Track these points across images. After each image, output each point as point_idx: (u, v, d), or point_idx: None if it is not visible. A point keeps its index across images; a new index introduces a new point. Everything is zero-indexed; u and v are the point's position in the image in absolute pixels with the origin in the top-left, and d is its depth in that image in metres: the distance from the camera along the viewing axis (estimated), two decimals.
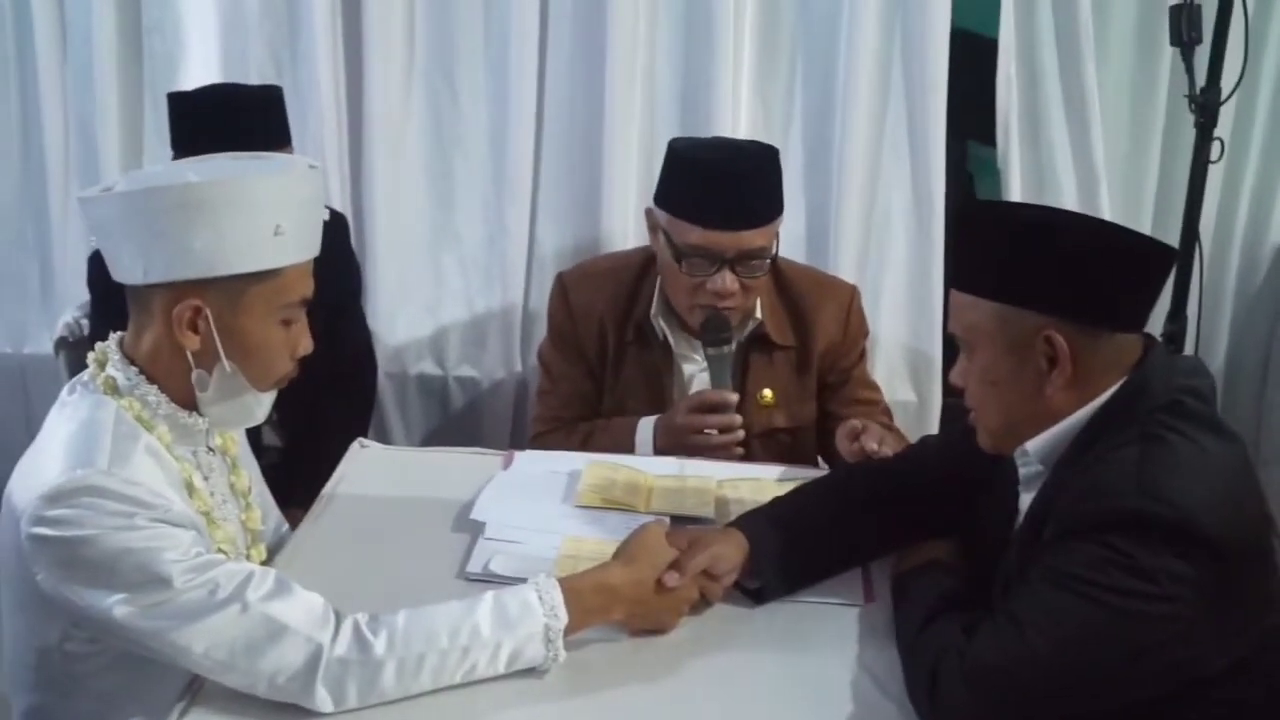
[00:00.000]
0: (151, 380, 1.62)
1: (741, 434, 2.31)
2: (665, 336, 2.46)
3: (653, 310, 2.45)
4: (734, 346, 2.37)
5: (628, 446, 2.38)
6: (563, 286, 2.55)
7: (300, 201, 1.63)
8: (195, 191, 1.53)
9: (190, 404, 1.65)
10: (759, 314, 2.44)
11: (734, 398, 2.31)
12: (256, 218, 1.56)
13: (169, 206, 1.53)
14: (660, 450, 2.36)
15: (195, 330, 1.58)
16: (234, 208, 1.54)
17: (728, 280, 2.30)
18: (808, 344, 2.48)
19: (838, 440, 2.23)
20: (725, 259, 2.29)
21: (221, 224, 1.54)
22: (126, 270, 1.58)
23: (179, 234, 1.53)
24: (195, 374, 1.61)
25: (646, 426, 2.39)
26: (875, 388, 2.62)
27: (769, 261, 2.35)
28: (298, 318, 1.67)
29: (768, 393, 2.46)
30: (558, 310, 2.55)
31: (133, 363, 1.63)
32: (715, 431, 2.30)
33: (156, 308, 1.59)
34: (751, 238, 2.30)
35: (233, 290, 1.58)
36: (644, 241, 2.54)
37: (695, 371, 2.49)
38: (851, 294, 2.56)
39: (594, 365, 2.52)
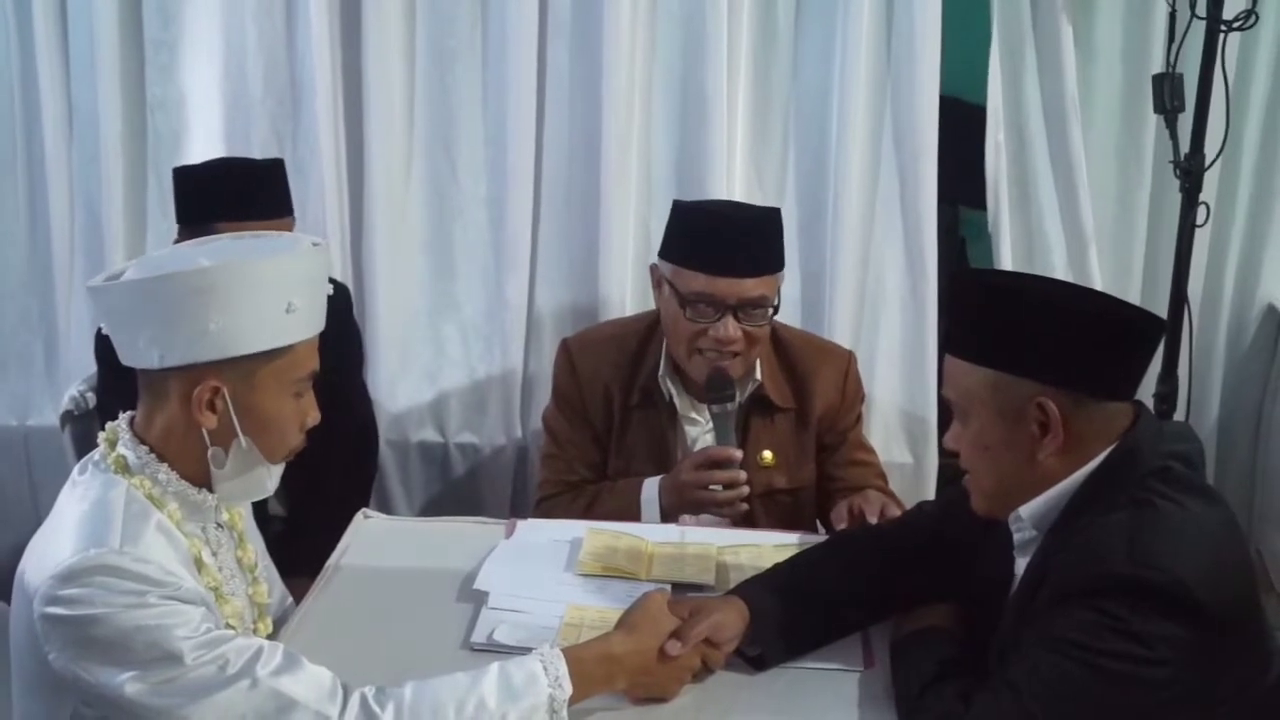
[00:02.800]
0: (162, 459, 1.65)
1: (746, 490, 2.33)
2: (671, 398, 2.49)
3: (660, 371, 2.49)
4: (737, 404, 2.41)
5: (633, 506, 2.40)
6: (568, 353, 2.59)
7: (308, 278, 1.66)
8: (209, 276, 1.56)
9: (200, 481, 1.67)
10: (759, 375, 2.48)
11: (738, 454, 2.34)
12: (269, 297, 1.59)
13: (184, 292, 1.56)
14: (665, 509, 2.39)
15: (213, 410, 1.61)
16: (247, 289, 1.57)
17: (730, 327, 2.34)
18: (806, 406, 2.52)
19: (833, 520, 2.28)
20: (728, 305, 2.35)
21: (236, 305, 1.57)
22: (141, 355, 1.60)
23: (195, 318, 1.56)
24: (211, 451, 1.63)
25: (651, 486, 2.41)
26: (871, 450, 2.65)
27: (771, 311, 2.39)
28: (306, 391, 1.71)
29: (768, 454, 2.49)
30: (563, 376, 2.58)
31: (143, 442, 1.65)
32: (720, 488, 2.32)
33: (173, 390, 1.61)
34: (753, 286, 2.35)
35: (248, 369, 1.61)
36: (642, 306, 2.59)
37: (699, 434, 2.52)
38: (849, 359, 2.60)
39: (599, 430, 2.55)
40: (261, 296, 1.59)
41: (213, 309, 1.56)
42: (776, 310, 2.41)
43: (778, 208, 2.52)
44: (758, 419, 2.50)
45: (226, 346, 1.58)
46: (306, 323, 1.65)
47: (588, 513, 2.41)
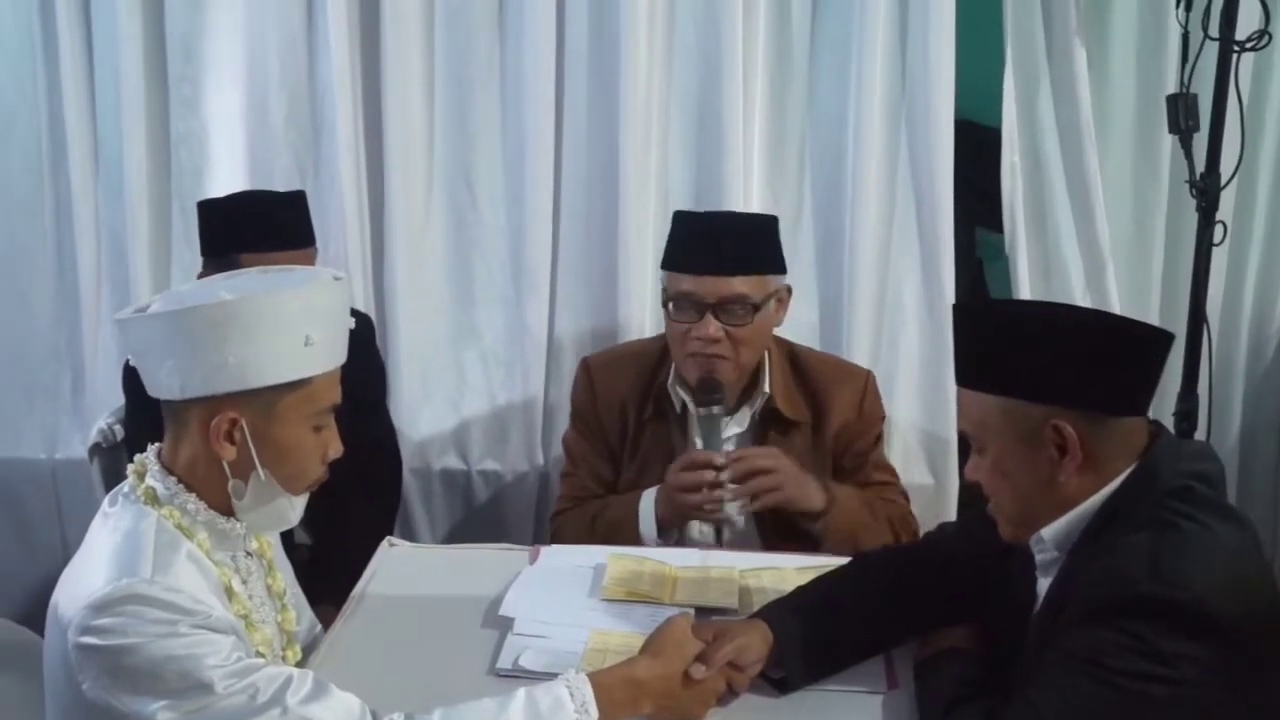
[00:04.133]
0: (189, 489, 1.67)
1: (722, 494, 2.36)
2: (682, 406, 2.53)
3: (670, 380, 2.53)
4: (724, 409, 2.45)
5: (632, 516, 2.44)
6: (587, 370, 2.65)
7: (328, 312, 1.68)
8: (227, 309, 1.59)
9: (228, 510, 1.70)
10: (767, 388, 2.51)
11: (719, 458, 2.37)
12: (287, 330, 1.61)
13: (204, 324, 1.58)
14: (661, 518, 2.43)
15: (232, 441, 1.63)
16: (265, 322, 1.60)
17: (711, 327, 2.39)
18: (822, 420, 2.54)
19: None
20: (708, 304, 2.40)
21: (254, 338, 1.59)
22: (164, 387, 1.63)
23: (214, 350, 1.58)
24: (232, 483, 1.66)
25: (649, 496, 2.45)
26: (890, 471, 2.67)
27: (753, 311, 2.42)
28: (327, 423, 1.72)
29: None
30: (582, 393, 2.64)
31: (171, 473, 1.68)
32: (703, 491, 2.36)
33: (194, 421, 1.64)
34: (732, 284, 2.40)
35: (266, 401, 1.63)
36: (661, 329, 2.61)
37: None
38: (866, 377, 2.63)
39: (614, 448, 2.59)
40: (279, 329, 1.61)
41: (231, 341, 1.58)
42: (758, 308, 2.42)
43: (774, 216, 2.61)
44: (774, 433, 2.53)
45: (244, 378, 1.60)
46: (326, 356, 1.67)
47: (593, 525, 2.47)
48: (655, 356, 2.58)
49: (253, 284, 1.70)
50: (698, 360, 2.43)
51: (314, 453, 1.71)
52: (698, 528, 2.50)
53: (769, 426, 2.52)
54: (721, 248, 2.43)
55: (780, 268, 2.52)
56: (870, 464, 2.59)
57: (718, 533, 2.47)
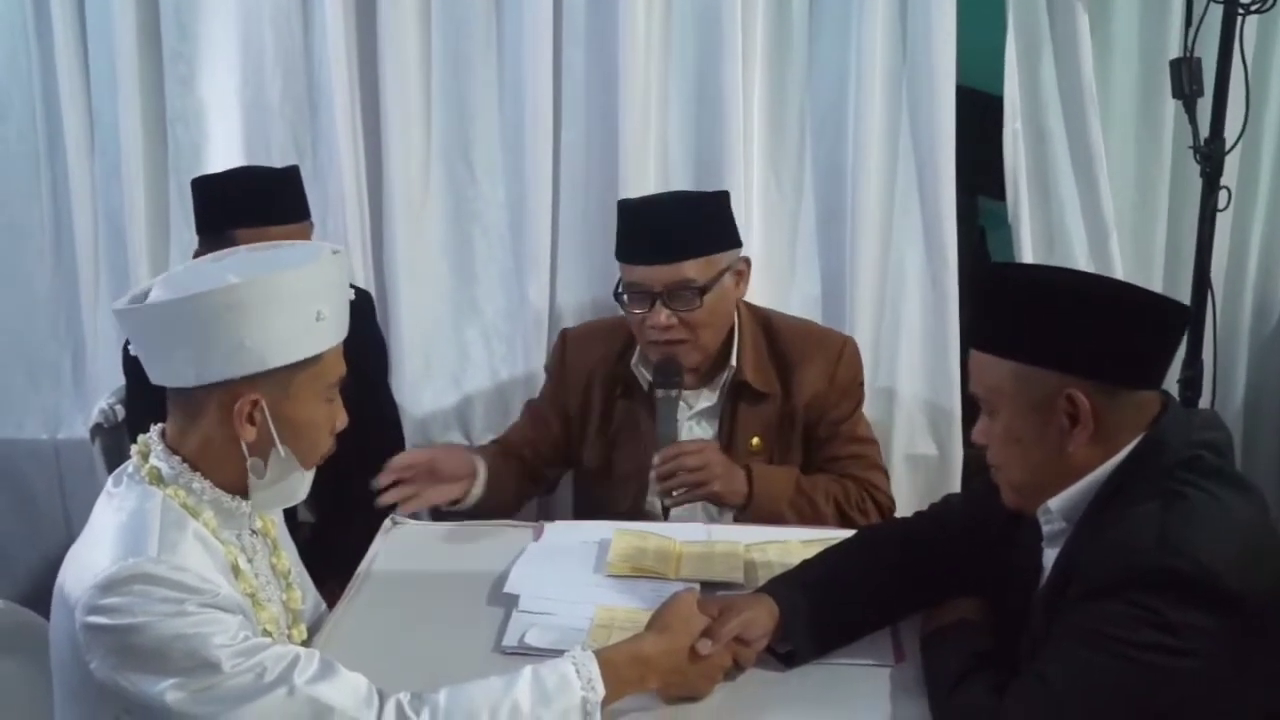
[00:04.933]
0: (194, 469, 1.67)
1: (667, 482, 2.36)
2: (648, 384, 2.52)
3: (634, 360, 2.53)
4: (680, 392, 2.46)
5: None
6: (564, 341, 2.70)
7: (334, 286, 1.70)
8: (239, 292, 1.58)
9: (234, 489, 1.70)
10: (734, 361, 2.50)
11: (670, 450, 2.37)
12: (300, 308, 1.62)
13: (216, 309, 1.57)
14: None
15: (252, 422, 1.64)
16: (279, 302, 1.60)
17: (662, 315, 2.40)
18: (791, 393, 2.53)
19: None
20: (655, 293, 2.40)
21: (269, 319, 1.59)
22: (175, 374, 1.62)
23: (229, 334, 1.58)
24: (251, 462, 1.66)
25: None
26: (868, 441, 2.64)
27: (700, 294, 2.40)
28: (335, 395, 1.74)
29: (756, 440, 2.52)
30: (554, 361, 2.70)
31: (175, 453, 1.67)
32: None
33: (210, 406, 1.63)
34: (676, 271, 2.39)
35: (283, 379, 1.64)
36: None
37: (682, 419, 2.53)
38: (842, 346, 2.60)
39: (571, 421, 2.62)
40: (292, 308, 1.61)
41: (246, 324, 1.58)
42: (706, 291, 2.40)
43: (721, 191, 2.61)
44: (744, 405, 2.52)
45: (263, 359, 1.60)
46: (334, 329, 1.69)
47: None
48: (627, 334, 2.57)
49: (252, 263, 1.69)
50: (657, 347, 2.44)
51: (326, 425, 1.73)
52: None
53: (739, 398, 2.52)
54: (664, 234, 2.42)
55: (731, 242, 2.50)
56: (842, 437, 2.56)
57: (664, 511, 2.46)
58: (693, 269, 2.40)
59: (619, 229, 2.52)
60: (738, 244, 2.52)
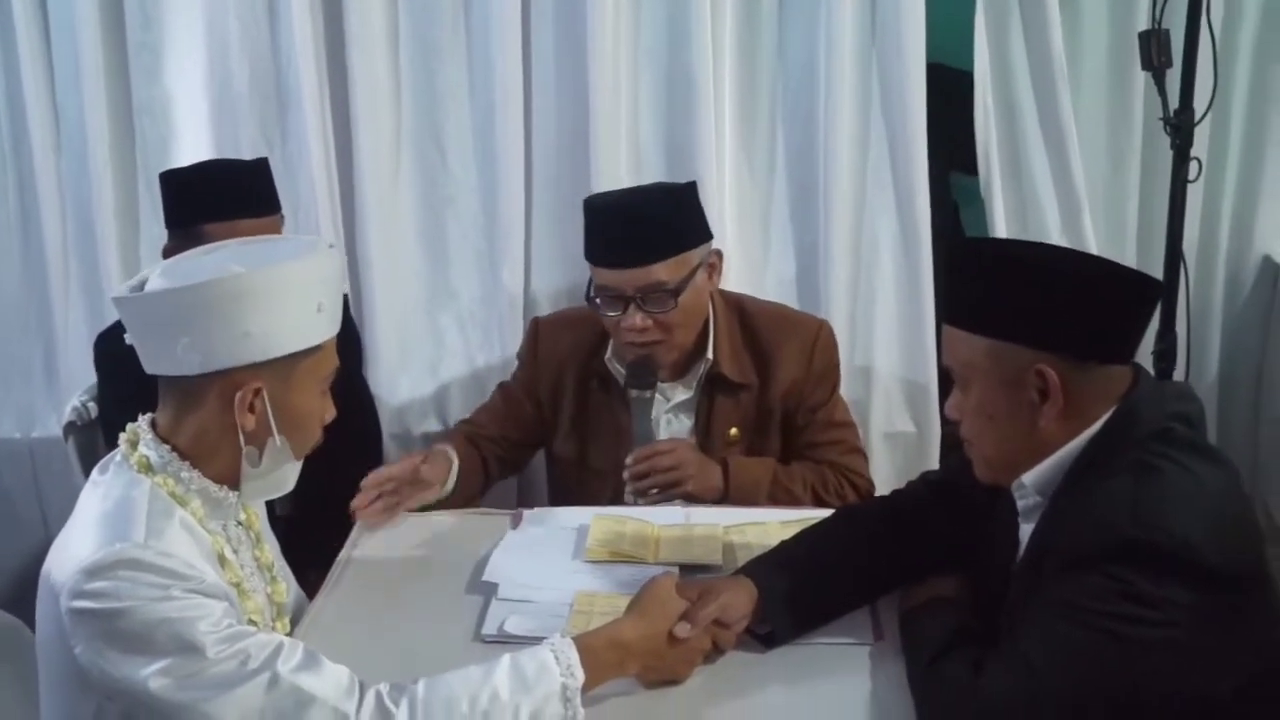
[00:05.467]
0: (184, 459, 1.67)
1: (640, 483, 2.34)
2: (622, 379, 2.50)
3: (608, 354, 2.52)
4: (654, 392, 2.44)
5: None
6: (535, 330, 2.67)
7: (332, 279, 1.72)
8: (244, 281, 1.59)
9: (224, 480, 1.70)
10: (710, 354, 2.48)
11: (644, 450, 2.35)
12: (302, 298, 1.64)
13: (223, 297, 1.58)
14: None
15: (252, 411, 1.64)
16: (284, 292, 1.62)
17: (636, 318, 2.36)
18: (768, 383, 2.51)
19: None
20: (628, 296, 2.36)
21: (274, 308, 1.61)
22: (179, 362, 1.62)
23: (234, 322, 1.59)
24: (246, 451, 1.67)
25: None
26: (845, 425, 2.62)
27: (673, 296, 2.37)
28: (328, 388, 1.76)
29: (734, 431, 2.51)
30: (526, 350, 2.67)
31: (165, 442, 1.67)
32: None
33: (210, 394, 1.64)
34: (648, 274, 2.35)
35: (285, 369, 1.65)
36: None
37: (657, 415, 2.52)
38: (816, 331, 2.57)
39: (543, 405, 2.60)
40: (296, 298, 1.64)
41: (251, 313, 1.60)
42: (679, 292, 2.37)
43: (691, 182, 2.54)
44: (721, 396, 2.51)
45: (267, 348, 1.62)
46: (332, 321, 1.71)
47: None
48: (601, 326, 2.53)
49: (251, 255, 1.70)
50: (633, 348, 2.41)
51: (319, 417, 1.75)
52: None
53: (715, 390, 2.50)
54: (632, 236, 2.37)
55: (701, 237, 2.45)
56: (819, 423, 2.55)
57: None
58: (664, 271, 2.35)
59: (586, 229, 2.48)
60: (708, 237, 2.48)
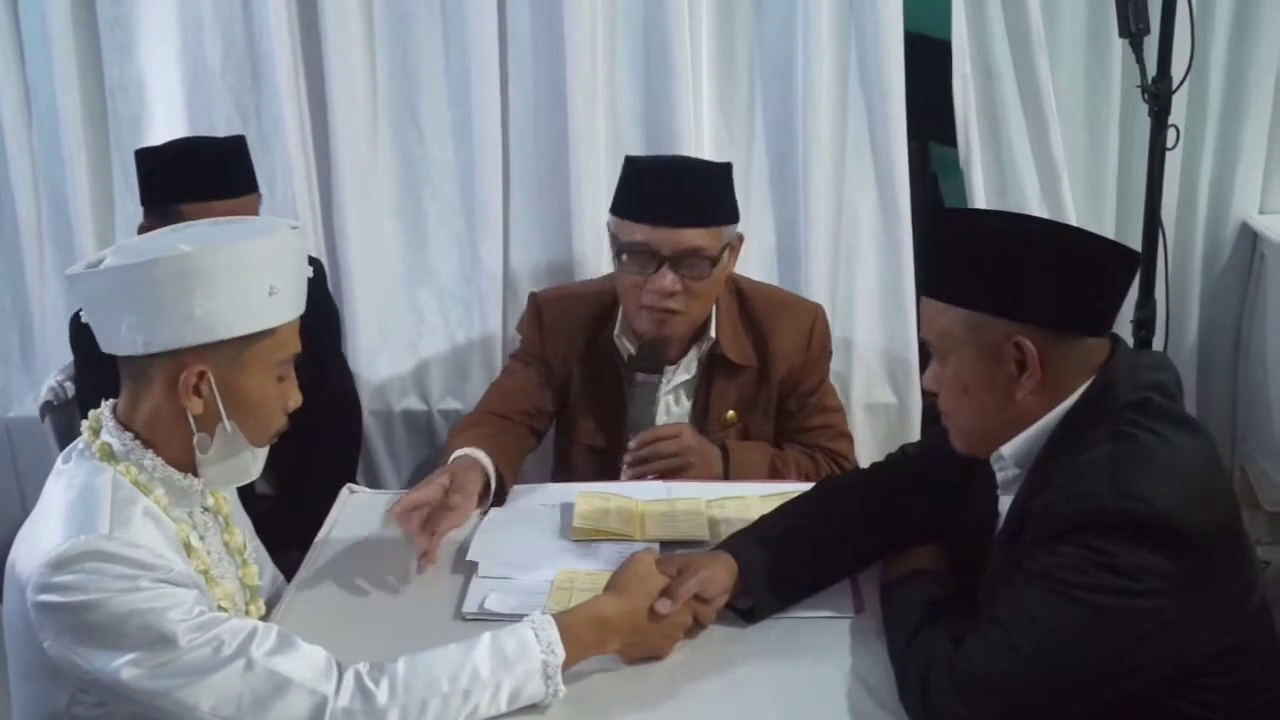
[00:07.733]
0: (147, 445, 1.65)
1: (642, 467, 2.34)
2: (628, 356, 2.49)
3: (616, 330, 2.50)
4: (659, 376, 2.43)
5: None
6: (536, 305, 2.61)
7: (289, 261, 1.68)
8: (192, 260, 1.56)
9: (185, 466, 1.68)
10: (713, 333, 2.48)
11: (647, 435, 2.36)
12: (252, 281, 1.60)
13: (167, 277, 1.56)
14: None
15: (199, 394, 1.62)
16: (230, 273, 1.58)
17: (667, 279, 2.33)
18: (767, 365, 2.51)
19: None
20: (663, 256, 2.33)
21: (220, 290, 1.57)
22: (124, 342, 1.60)
23: (179, 303, 1.56)
24: (197, 437, 1.64)
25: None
26: (835, 410, 2.64)
27: (710, 264, 2.36)
28: (288, 373, 1.72)
29: (731, 414, 2.51)
30: (530, 327, 2.61)
31: (127, 429, 1.65)
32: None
33: (157, 376, 1.61)
34: (690, 236, 2.33)
35: (232, 353, 1.62)
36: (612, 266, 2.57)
37: (659, 395, 2.51)
38: (814, 315, 2.58)
39: (557, 375, 2.55)
40: (244, 280, 1.60)
41: (196, 293, 1.56)
42: (716, 261, 2.37)
43: (728, 163, 2.52)
44: (720, 378, 2.50)
45: (212, 330, 1.59)
46: (288, 305, 1.67)
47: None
48: (608, 297, 2.52)
49: (209, 235, 1.67)
50: (652, 313, 2.38)
51: (277, 403, 1.71)
52: None
53: (715, 371, 2.50)
54: (678, 197, 2.35)
55: (735, 216, 2.45)
56: (811, 407, 2.56)
57: None
58: (705, 237, 2.34)
59: (624, 184, 2.43)
60: (738, 219, 2.46)
